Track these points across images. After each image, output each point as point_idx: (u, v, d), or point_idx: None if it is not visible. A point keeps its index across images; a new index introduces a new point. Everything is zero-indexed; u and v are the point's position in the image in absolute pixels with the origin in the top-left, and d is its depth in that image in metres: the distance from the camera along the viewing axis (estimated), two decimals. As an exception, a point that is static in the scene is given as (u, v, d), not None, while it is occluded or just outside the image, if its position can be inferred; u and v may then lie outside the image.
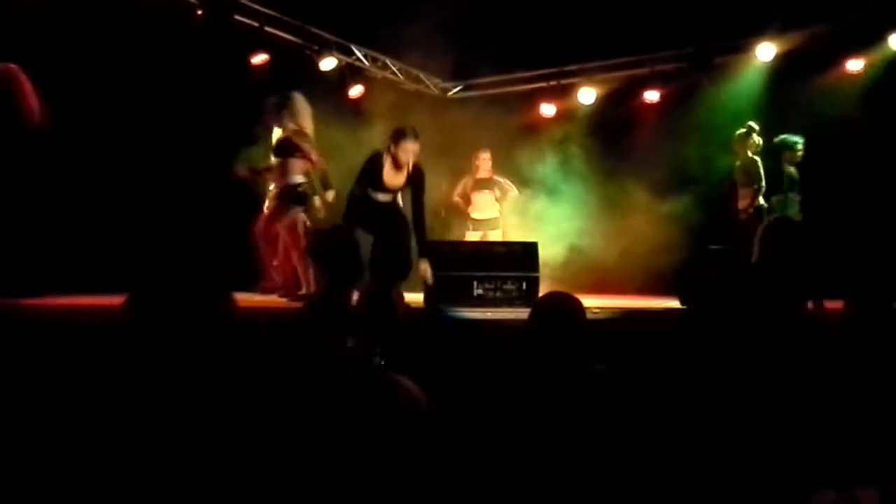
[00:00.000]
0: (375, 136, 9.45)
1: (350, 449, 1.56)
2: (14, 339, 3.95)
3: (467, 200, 8.92)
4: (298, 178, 6.75)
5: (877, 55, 8.60)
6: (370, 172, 5.87)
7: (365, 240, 5.39)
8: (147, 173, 7.16)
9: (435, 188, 9.77)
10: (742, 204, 7.90)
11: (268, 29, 8.82)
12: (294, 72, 8.95)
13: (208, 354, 1.74)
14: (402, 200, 6.25)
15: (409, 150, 5.83)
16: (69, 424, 1.68)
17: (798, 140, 7.42)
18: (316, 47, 9.25)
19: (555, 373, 2.84)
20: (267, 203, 7.20)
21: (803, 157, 7.46)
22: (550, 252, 8.52)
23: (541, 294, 5.48)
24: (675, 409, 2.60)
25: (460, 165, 9.37)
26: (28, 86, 4.85)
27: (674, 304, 6.93)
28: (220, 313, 1.81)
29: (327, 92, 9.16)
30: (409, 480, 1.56)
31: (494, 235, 8.64)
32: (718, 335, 2.75)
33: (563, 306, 3.10)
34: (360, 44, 9.91)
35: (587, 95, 10.02)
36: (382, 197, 5.95)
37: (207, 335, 1.75)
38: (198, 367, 1.72)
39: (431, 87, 11.23)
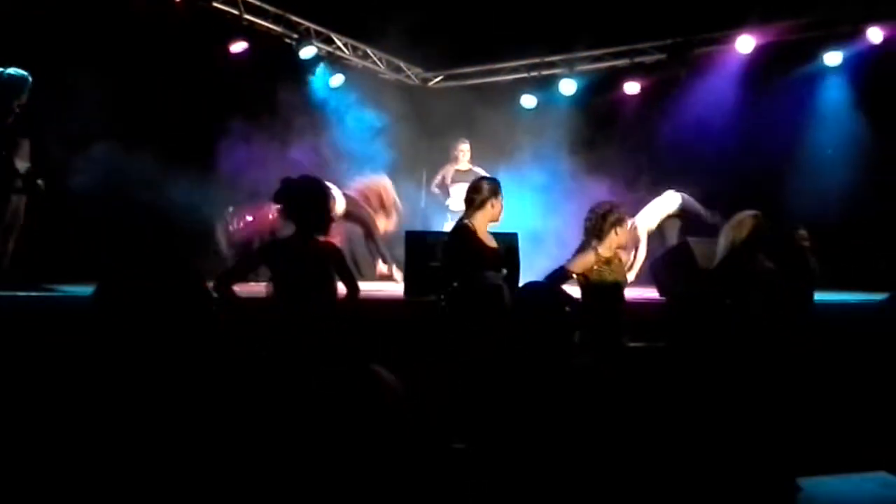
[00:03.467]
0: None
1: (331, 439, 1.55)
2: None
3: (446, 191, 8.90)
4: None
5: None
6: None
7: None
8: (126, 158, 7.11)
9: (414, 178, 9.81)
10: None
11: (247, 17, 8.75)
12: (273, 60, 8.92)
13: (184, 346, 1.72)
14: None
15: None
16: (41, 419, 1.66)
17: None
18: (296, 36, 9.19)
19: (538, 364, 2.84)
20: None
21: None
22: (530, 242, 8.52)
23: (520, 285, 5.47)
24: (659, 400, 2.61)
25: (439, 156, 9.34)
26: None
27: (653, 294, 6.97)
28: (196, 304, 1.78)
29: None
30: (386, 470, 1.55)
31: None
32: (695, 329, 2.77)
33: (543, 298, 3.10)
34: (341, 32, 9.84)
35: (568, 86, 10.01)
36: None
37: (184, 326, 1.73)
38: (172, 355, 1.70)
39: (412, 76, 11.18)
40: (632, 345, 4.56)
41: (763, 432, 2.59)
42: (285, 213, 4.05)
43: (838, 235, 7.37)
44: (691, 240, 6.82)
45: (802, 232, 5.82)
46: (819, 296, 5.90)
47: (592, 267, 4.75)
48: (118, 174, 6.96)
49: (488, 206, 4.84)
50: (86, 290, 4.44)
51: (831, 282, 6.50)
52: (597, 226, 4.83)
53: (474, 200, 4.88)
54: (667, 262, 7.07)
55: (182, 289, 1.77)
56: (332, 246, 4.12)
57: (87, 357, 1.67)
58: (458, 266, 4.82)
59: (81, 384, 1.66)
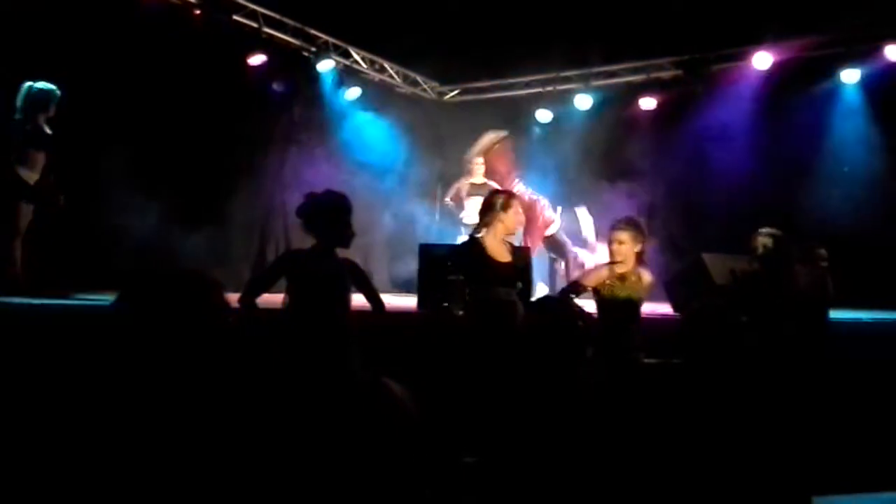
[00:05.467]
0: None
1: (339, 452, 1.56)
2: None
3: (461, 204, 8.90)
4: None
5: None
6: None
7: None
8: (143, 171, 7.17)
9: (429, 191, 9.84)
10: None
11: (266, 30, 8.83)
12: (291, 73, 8.99)
13: (200, 353, 1.73)
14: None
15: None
16: (57, 424, 1.67)
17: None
18: (314, 49, 9.26)
19: (549, 378, 2.84)
20: None
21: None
22: (546, 257, 8.53)
23: (534, 298, 5.47)
24: (673, 417, 2.60)
25: (454, 169, 9.37)
26: None
27: (667, 309, 6.94)
28: (211, 310, 1.80)
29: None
30: (396, 484, 1.55)
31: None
32: (710, 346, 2.76)
33: (558, 311, 3.10)
34: (358, 46, 9.91)
35: (584, 101, 10.02)
36: None
37: (199, 332, 1.75)
38: (189, 365, 1.71)
39: (428, 90, 11.23)
40: (647, 361, 4.54)
41: (778, 451, 2.58)
42: (306, 227, 4.02)
43: (855, 253, 7.32)
44: (706, 255, 6.79)
45: (822, 251, 5.78)
46: (835, 314, 5.85)
47: (605, 282, 4.74)
48: (136, 186, 7.04)
49: (498, 220, 4.85)
50: (103, 298, 4.49)
51: (848, 300, 6.46)
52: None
53: (484, 215, 4.91)
54: (681, 277, 7.04)
55: (198, 299, 1.78)
56: (350, 262, 4.13)
57: (104, 364, 1.69)
58: (467, 279, 4.82)
59: (97, 391, 1.68)
